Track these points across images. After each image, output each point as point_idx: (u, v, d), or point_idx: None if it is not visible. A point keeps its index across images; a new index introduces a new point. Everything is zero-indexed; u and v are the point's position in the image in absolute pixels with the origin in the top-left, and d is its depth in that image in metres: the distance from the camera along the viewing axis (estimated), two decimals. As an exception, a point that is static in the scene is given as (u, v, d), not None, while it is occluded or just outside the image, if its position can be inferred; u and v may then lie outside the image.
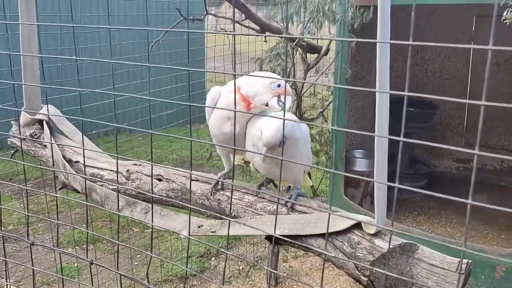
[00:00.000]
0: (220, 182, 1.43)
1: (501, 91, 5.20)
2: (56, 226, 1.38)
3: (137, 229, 4.72)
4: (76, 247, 4.32)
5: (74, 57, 1.34)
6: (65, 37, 4.19)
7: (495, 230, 4.29)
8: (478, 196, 5.01)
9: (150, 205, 1.45)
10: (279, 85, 1.35)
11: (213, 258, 4.21)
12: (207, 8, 3.05)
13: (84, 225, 4.75)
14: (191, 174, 1.46)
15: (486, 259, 3.48)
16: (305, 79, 4.13)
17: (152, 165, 1.35)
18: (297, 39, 3.73)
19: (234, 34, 1.12)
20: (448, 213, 4.68)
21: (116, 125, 1.21)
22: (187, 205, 1.48)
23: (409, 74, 0.88)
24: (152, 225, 1.25)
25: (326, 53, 4.28)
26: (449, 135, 5.55)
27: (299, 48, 3.96)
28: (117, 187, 1.45)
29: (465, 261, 1.14)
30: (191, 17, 2.91)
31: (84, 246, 4.40)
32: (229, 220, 1.29)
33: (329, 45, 4.24)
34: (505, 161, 5.45)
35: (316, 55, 4.28)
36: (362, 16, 3.56)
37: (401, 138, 0.87)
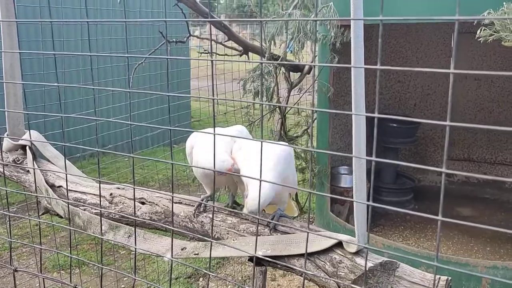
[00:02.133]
0: (202, 204, 1.44)
1: (481, 106, 5.32)
2: (40, 252, 1.37)
3: (123, 252, 4.66)
4: (62, 271, 4.25)
5: (56, 84, 1.36)
6: (49, 61, 4.19)
7: (481, 243, 4.33)
8: (463, 209, 5.08)
9: (133, 229, 1.45)
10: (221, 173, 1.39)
11: (201, 279, 4.18)
12: (190, 30, 3.09)
13: (69, 249, 4.68)
14: (172, 197, 1.47)
15: (471, 274, 3.51)
16: (288, 98, 4.19)
17: (134, 188, 1.36)
18: (280, 58, 3.79)
19: (213, 60, 1.14)
20: (434, 227, 4.72)
21: (98, 149, 1.22)
22: (170, 227, 1.48)
23: (378, 96, 0.92)
24: (136, 248, 1.25)
25: (309, 72, 4.35)
26: (432, 149, 5.64)
27: (282, 67, 4.03)
28: (100, 211, 1.45)
29: (444, 278, 1.16)
30: (174, 40, 2.95)
31: (69, 270, 4.33)
32: (215, 242, 1.30)
33: (311, 63, 4.32)
34: (488, 173, 5.55)
35: (299, 73, 4.35)
36: (343, 36, 3.64)
37: (374, 158, 0.89)
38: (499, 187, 5.38)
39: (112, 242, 1.45)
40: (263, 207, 1.33)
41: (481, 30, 2.47)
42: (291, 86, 4.16)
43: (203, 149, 1.41)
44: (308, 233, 1.00)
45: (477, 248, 4.30)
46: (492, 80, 5.15)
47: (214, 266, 4.34)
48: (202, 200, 1.46)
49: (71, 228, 1.32)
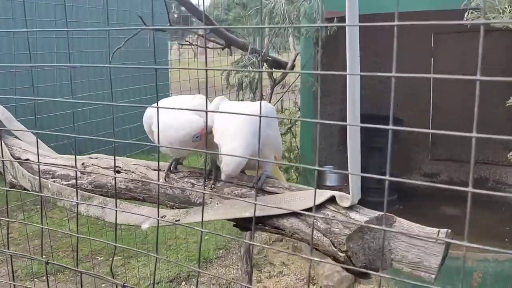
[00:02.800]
0: (173, 164, 1.35)
1: (464, 105, 5.34)
2: (7, 224, 1.24)
3: (101, 258, 4.47)
4: (35, 280, 4.04)
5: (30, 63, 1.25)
6: (22, 57, 4.03)
7: (469, 240, 4.30)
8: (448, 208, 5.05)
9: (107, 199, 1.34)
10: (198, 136, 1.26)
11: (183, 283, 4.01)
12: (170, 19, 3.00)
13: (44, 256, 4.47)
14: (159, 173, 1.36)
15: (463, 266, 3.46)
16: (271, 95, 4.12)
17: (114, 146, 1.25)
18: (263, 53, 3.72)
19: (205, 47, 1.05)
20: (422, 224, 4.68)
21: (76, 123, 1.11)
22: (157, 182, 1.37)
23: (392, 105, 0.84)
24: (116, 211, 1.13)
25: (291, 68, 4.30)
26: (415, 150, 5.63)
27: (265, 63, 3.96)
28: (76, 171, 1.33)
29: (444, 230, 1.08)
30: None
31: (44, 278, 4.13)
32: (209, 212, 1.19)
33: (294, 60, 4.26)
34: (470, 172, 5.55)
35: (282, 71, 4.29)
36: (327, 28, 3.60)
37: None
38: (482, 186, 5.38)
39: (85, 214, 1.32)
40: (237, 171, 1.22)
41: (468, 13, 2.44)
42: (274, 83, 4.09)
43: (168, 118, 1.25)
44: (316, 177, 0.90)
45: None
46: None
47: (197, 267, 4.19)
48: (172, 164, 1.36)
49: (41, 194, 1.20)
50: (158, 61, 6.68)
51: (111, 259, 4.35)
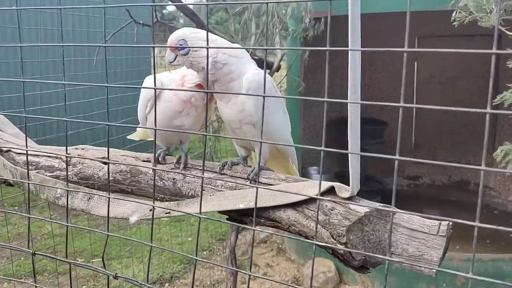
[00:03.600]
0: (161, 155, 1.33)
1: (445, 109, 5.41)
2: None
3: (82, 259, 4.36)
4: (14, 282, 3.91)
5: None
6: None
7: (453, 240, 4.34)
8: (430, 211, 5.09)
9: (93, 191, 1.28)
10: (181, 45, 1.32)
11: (166, 284, 3.94)
12: (157, 16, 2.94)
13: (22, 258, 4.34)
14: (155, 170, 1.32)
15: (446, 267, 3.47)
16: (258, 94, 4.08)
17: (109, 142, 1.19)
18: (249, 52, 3.69)
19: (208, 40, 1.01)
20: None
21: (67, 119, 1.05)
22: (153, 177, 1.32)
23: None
24: (109, 195, 1.08)
25: (277, 69, 4.27)
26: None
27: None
28: (67, 161, 1.27)
29: (445, 222, 1.06)
30: (141, 22, 2.79)
31: (23, 279, 4.00)
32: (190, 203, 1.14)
33: (280, 60, 4.24)
34: (452, 176, 5.62)
35: (267, 71, 4.26)
36: (314, 28, 3.59)
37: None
38: (463, 189, 5.45)
39: (69, 207, 1.26)
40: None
41: (456, 12, 2.45)
42: (261, 83, 4.06)
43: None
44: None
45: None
46: (456, 83, 5.26)
47: (180, 271, 4.12)
48: (159, 154, 1.34)
49: (28, 182, 1.13)
50: (143, 57, 6.61)
51: (102, 249, 4.25)
